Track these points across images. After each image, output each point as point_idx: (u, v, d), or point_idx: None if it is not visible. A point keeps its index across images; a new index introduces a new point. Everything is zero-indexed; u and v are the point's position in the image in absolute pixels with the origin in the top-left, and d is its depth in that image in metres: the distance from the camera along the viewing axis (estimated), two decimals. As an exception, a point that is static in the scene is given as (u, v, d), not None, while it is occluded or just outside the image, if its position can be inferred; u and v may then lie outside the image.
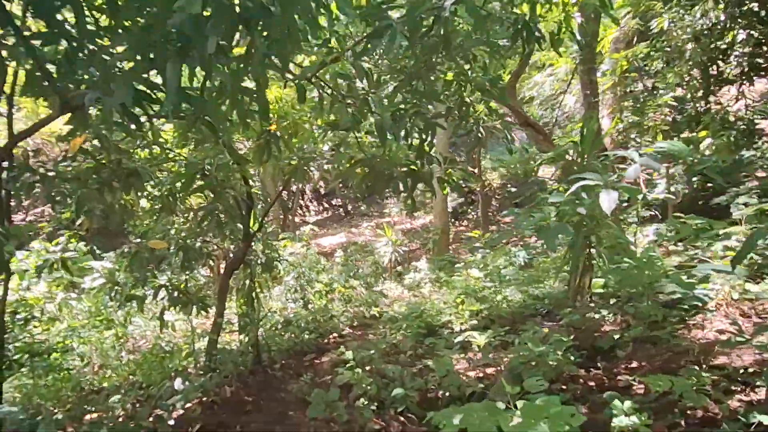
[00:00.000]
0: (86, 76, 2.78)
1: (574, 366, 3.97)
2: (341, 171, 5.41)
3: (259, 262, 7.63)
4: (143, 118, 3.10)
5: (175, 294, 6.74)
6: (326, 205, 25.33)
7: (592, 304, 4.60)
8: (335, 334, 7.23)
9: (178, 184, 5.45)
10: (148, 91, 2.45)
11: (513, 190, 18.35)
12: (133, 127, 2.81)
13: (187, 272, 7.26)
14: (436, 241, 14.16)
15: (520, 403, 2.03)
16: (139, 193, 5.75)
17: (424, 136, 4.23)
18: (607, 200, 2.97)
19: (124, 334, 7.85)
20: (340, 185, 24.37)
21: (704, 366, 3.40)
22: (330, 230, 21.53)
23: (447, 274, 11.65)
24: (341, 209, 23.76)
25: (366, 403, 4.18)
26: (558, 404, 1.92)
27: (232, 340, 8.35)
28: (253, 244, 8.09)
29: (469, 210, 19.89)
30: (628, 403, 2.42)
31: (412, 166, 4.48)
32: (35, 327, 7.09)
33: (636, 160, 2.87)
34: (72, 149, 4.30)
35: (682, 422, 2.86)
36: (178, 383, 5.28)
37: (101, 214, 5.86)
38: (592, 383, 3.83)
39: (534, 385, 2.62)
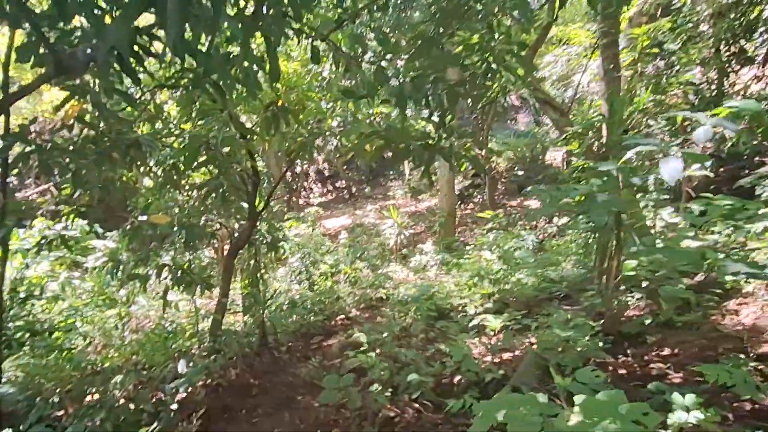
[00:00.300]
0: (78, 24, 2.48)
1: (603, 352, 3.70)
2: (354, 145, 5.10)
3: (264, 242, 7.38)
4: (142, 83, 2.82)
5: (179, 273, 6.53)
6: (330, 187, 25.04)
7: (622, 288, 4.33)
8: (342, 316, 6.99)
9: (182, 159, 5.17)
10: (146, 39, 2.16)
11: (520, 173, 17.98)
12: (131, 91, 2.54)
13: (191, 251, 7.05)
14: (442, 223, 13.87)
15: (578, 398, 1.76)
16: (141, 168, 5.49)
17: (445, 105, 3.91)
18: (670, 169, 2.58)
19: (127, 314, 7.62)
20: (345, 168, 24.08)
21: (751, 354, 3.13)
22: (334, 212, 21.27)
23: (456, 256, 11.40)
24: (345, 191, 23.47)
25: (379, 389, 3.93)
26: (624, 399, 1.64)
27: (237, 321, 8.15)
28: (258, 223, 7.85)
29: (475, 193, 19.57)
30: (690, 397, 2.14)
31: (429, 140, 4.18)
32: (37, 306, 6.89)
33: (706, 122, 2.49)
34: (67, 118, 4.01)
35: (730, 415, 2.61)
36: (181, 365, 5.05)
37: (101, 189, 5.61)
38: (623, 371, 3.57)
39: (588, 376, 2.30)
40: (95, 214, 6.47)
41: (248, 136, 5.19)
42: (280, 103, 4.83)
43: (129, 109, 5.96)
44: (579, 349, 3.57)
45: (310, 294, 8.28)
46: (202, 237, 6.24)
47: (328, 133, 6.44)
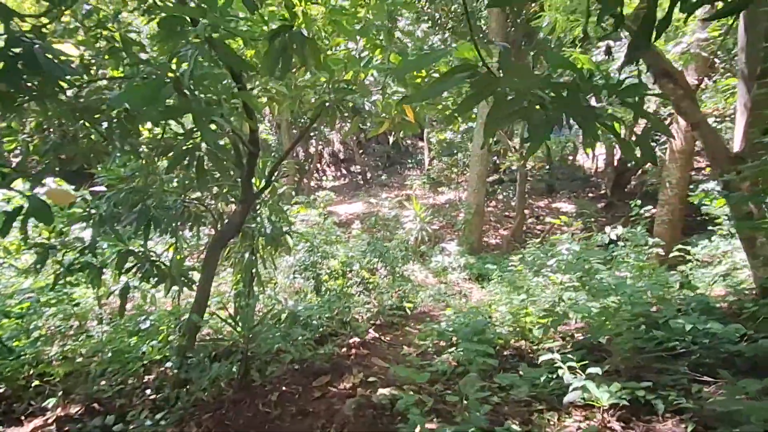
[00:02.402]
0: None
1: None
2: (408, 98, 3.17)
3: (263, 231, 5.47)
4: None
5: (147, 265, 4.71)
6: (344, 171, 23.09)
7: None
8: (355, 339, 5.07)
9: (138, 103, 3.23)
10: None
11: (551, 172, 15.95)
12: None
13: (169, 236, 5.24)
14: (468, 220, 11.93)
15: None
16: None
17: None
18: None
19: (78, 315, 5.77)
20: (361, 152, 22.10)
21: None
22: (346, 198, 19.34)
23: (500, 267, 9.46)
24: (360, 177, 21.50)
25: None
26: None
27: (223, 327, 6.35)
28: (257, 207, 5.92)
29: (498, 189, 17.58)
30: None
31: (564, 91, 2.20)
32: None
33: None
34: None
35: None
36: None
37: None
38: None
39: None
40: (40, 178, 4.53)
41: (243, 75, 3.25)
42: (298, 22, 2.90)
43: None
44: None
45: (317, 301, 6.39)
46: (171, 222, 4.34)
47: (361, 91, 4.46)
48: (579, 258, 4.85)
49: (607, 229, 9.04)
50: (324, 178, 22.42)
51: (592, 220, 12.39)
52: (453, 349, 4.29)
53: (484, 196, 12.82)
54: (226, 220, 4.68)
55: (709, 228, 10.64)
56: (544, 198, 16.52)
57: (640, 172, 14.65)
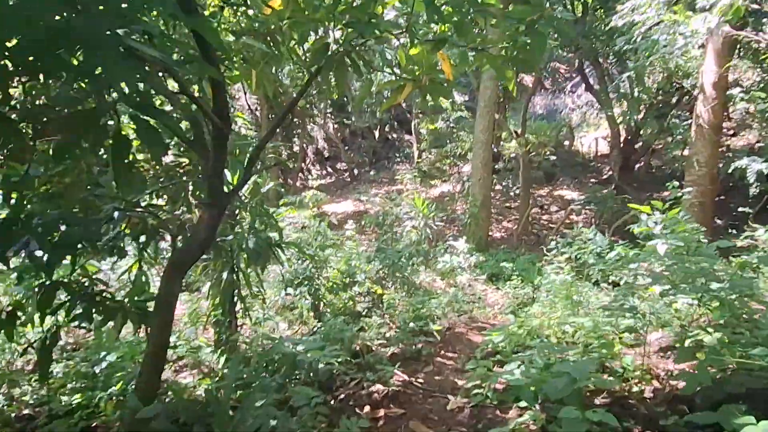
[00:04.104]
0: None
1: None
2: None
3: (244, 245, 3.97)
4: None
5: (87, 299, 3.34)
6: (330, 170, 21.51)
7: None
8: (379, 387, 3.59)
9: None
10: None
11: (552, 158, 14.63)
12: None
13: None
14: (474, 214, 10.51)
15: None
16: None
17: None
18: None
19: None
20: (346, 148, 20.53)
21: None
22: (334, 197, 17.81)
23: (516, 265, 8.09)
24: (347, 174, 19.97)
25: None
26: None
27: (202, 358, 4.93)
28: (237, 212, 4.41)
29: (494, 179, 16.17)
30: None
31: None
32: None
33: None
34: None
35: None
36: None
37: None
38: None
39: None
40: None
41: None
42: None
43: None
44: None
45: (317, 326, 4.92)
46: (98, 236, 2.86)
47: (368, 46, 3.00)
48: (684, 259, 3.46)
49: (643, 216, 7.70)
50: (309, 177, 20.84)
51: (610, 207, 11.06)
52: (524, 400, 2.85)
53: (491, 187, 11.43)
54: (187, 232, 3.18)
55: (740, 210, 9.43)
56: (545, 186, 15.19)
57: (648, 152, 13.40)
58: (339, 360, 3.59)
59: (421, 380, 3.85)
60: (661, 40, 7.23)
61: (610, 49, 10.61)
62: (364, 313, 5.51)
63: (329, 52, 2.50)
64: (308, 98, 17.04)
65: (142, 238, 3.55)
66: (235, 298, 4.72)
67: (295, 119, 17.60)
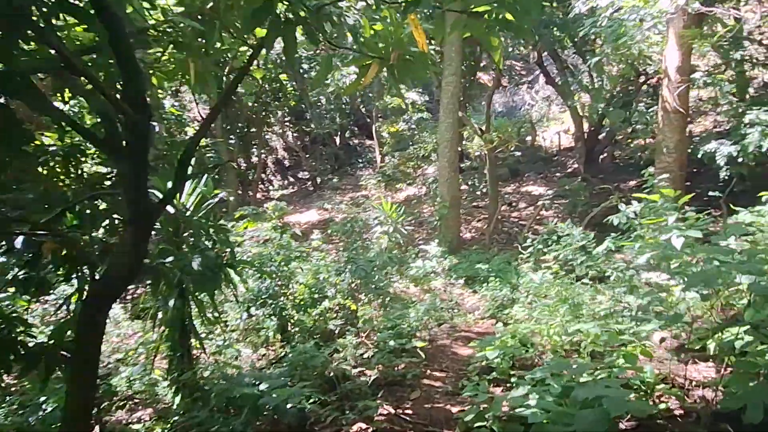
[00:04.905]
0: None
1: None
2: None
3: (192, 267, 3.29)
4: None
5: None
6: (291, 179, 20.75)
7: None
8: (359, 429, 2.97)
9: None
10: None
11: (517, 154, 14.34)
12: None
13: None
14: (443, 215, 10.02)
15: None
16: None
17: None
18: None
19: None
20: (307, 155, 19.78)
21: None
22: (298, 207, 17.07)
23: (492, 266, 7.62)
24: (309, 183, 19.26)
25: None
26: None
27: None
28: (181, 228, 3.73)
29: (460, 178, 15.78)
30: None
31: None
32: None
33: None
34: None
35: None
36: None
37: None
38: None
39: None
40: None
41: None
42: None
43: None
44: None
45: (284, 352, 4.28)
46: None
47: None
48: (705, 250, 2.99)
49: (622, 206, 7.36)
50: (271, 187, 20.01)
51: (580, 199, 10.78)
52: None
53: (459, 186, 10.98)
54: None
55: (711, 194, 9.23)
56: (511, 183, 14.90)
57: (612, 142, 13.26)
58: (310, 401, 2.95)
59: (409, 411, 3.26)
60: (627, 22, 6.92)
61: (572, 38, 10.35)
62: (337, 332, 4.89)
63: (272, 14, 1.90)
64: (265, 106, 16.29)
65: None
66: (188, 327, 4.04)
67: (252, 129, 16.78)
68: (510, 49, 15.07)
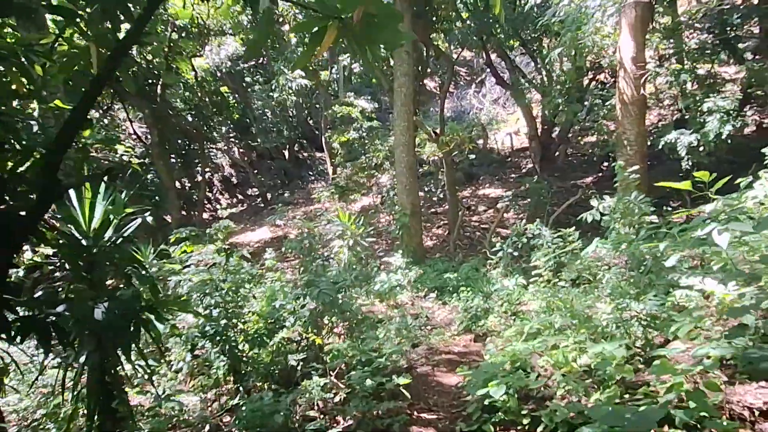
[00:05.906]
0: None
1: None
2: None
3: (94, 317, 2.40)
4: None
5: None
6: (240, 197, 19.59)
7: None
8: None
9: None
10: None
11: (472, 157, 13.92)
12: None
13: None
14: (404, 224, 9.34)
15: None
16: None
17: None
18: None
19: None
20: (255, 171, 18.73)
21: None
22: (249, 225, 16.01)
23: (461, 275, 6.95)
24: (259, 199, 18.20)
25: None
26: None
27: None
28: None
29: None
30: None
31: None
32: None
33: None
34: None
35: None
36: None
37: None
38: None
39: None
40: None
41: None
42: None
43: None
44: None
45: (239, 409, 3.42)
46: None
47: None
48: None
49: (594, 202, 6.89)
50: (218, 206, 18.79)
51: (542, 199, 10.35)
52: None
53: (418, 192, 10.33)
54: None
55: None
56: (467, 187, 14.45)
57: (566, 140, 13.02)
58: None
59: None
60: (588, 10, 6.51)
61: (520, 37, 9.97)
62: (299, 370, 4.06)
63: None
64: (206, 121, 15.20)
65: None
66: (112, 385, 3.12)
67: (193, 145, 15.61)
68: (455, 57, 14.71)
